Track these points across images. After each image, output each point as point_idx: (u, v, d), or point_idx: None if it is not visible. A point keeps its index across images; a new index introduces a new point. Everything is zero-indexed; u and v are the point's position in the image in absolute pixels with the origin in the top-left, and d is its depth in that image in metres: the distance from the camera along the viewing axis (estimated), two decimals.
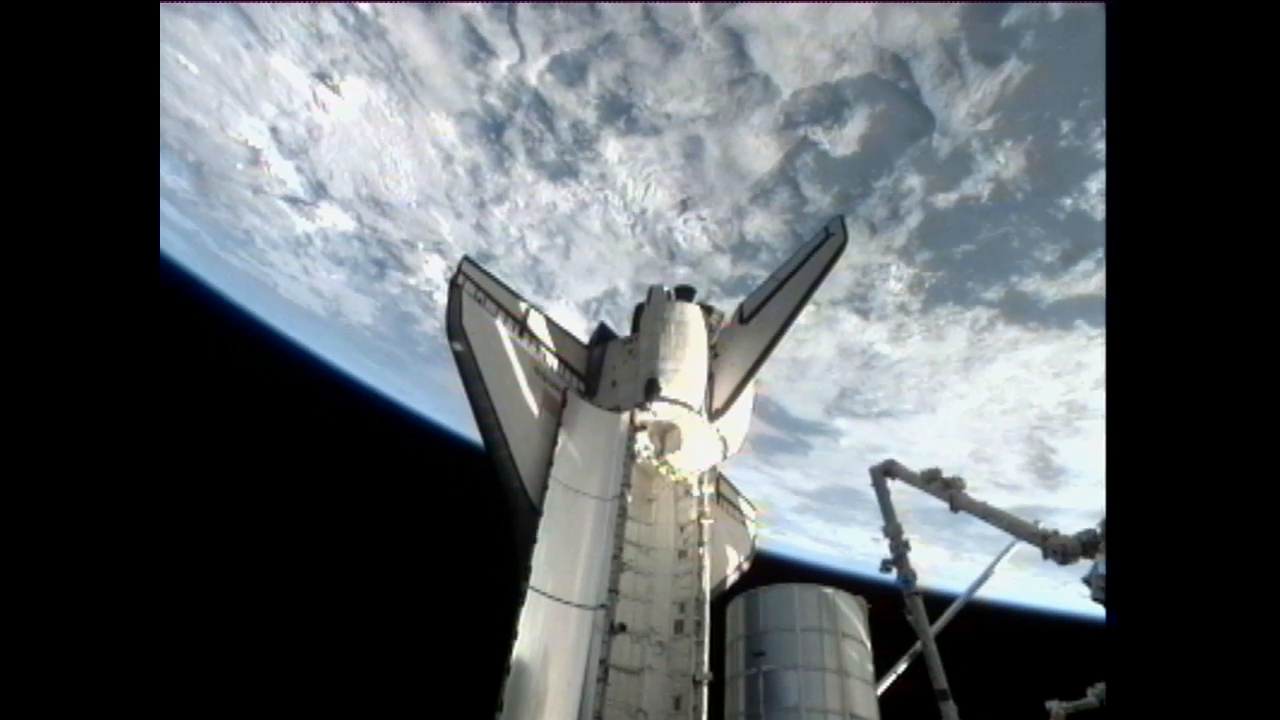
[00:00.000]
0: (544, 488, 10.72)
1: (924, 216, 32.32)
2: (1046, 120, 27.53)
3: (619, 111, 32.49)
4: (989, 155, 29.36)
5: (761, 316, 13.48)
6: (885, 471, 10.72)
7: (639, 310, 14.49)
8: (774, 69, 29.56)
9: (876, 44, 27.68)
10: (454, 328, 11.63)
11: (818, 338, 37.60)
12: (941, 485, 9.64)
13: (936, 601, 9.81)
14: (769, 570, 14.33)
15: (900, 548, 9.79)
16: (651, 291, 14.63)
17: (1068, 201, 29.14)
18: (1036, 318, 33.26)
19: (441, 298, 40.07)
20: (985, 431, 38.99)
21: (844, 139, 30.90)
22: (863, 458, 41.88)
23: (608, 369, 13.85)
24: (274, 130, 33.31)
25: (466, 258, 13.29)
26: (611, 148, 33.73)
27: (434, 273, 39.54)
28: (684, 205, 35.84)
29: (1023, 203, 30.18)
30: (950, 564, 40.25)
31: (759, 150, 32.54)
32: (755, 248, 36.39)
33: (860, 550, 49.42)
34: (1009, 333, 34.38)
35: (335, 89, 31.75)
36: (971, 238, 32.29)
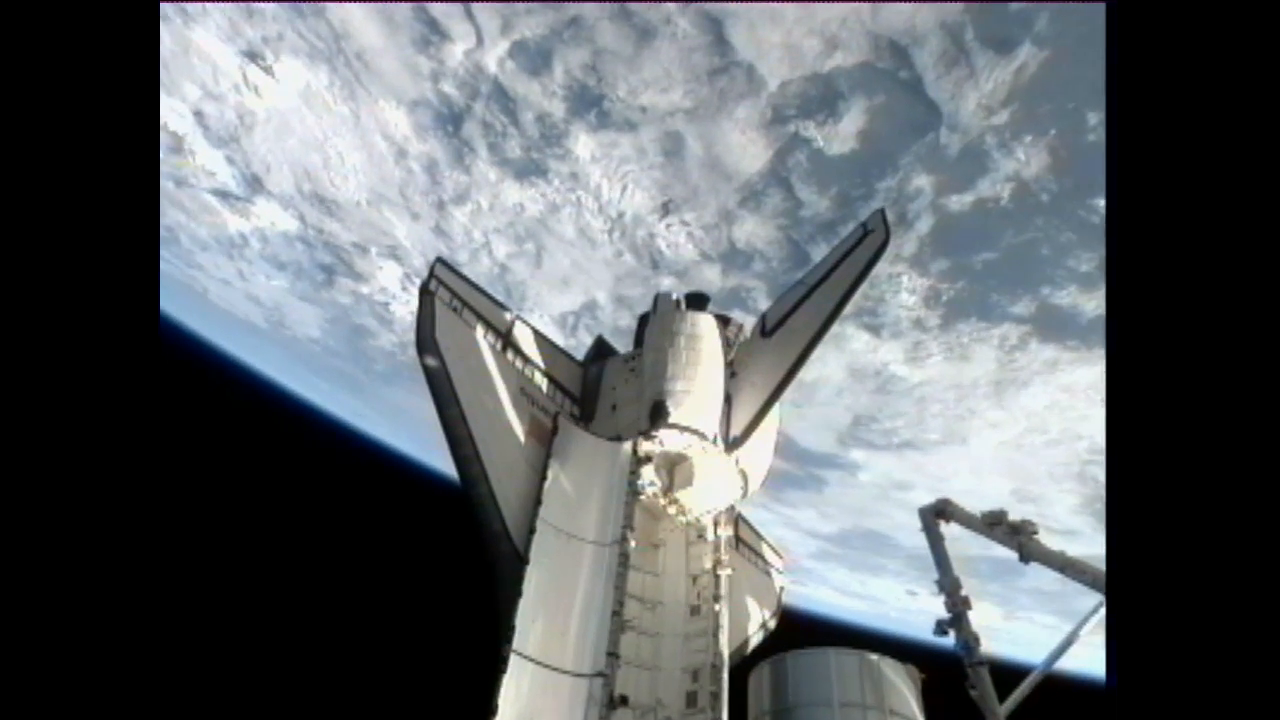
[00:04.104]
0: (531, 531, 10.35)
1: (936, 221, 32.63)
2: (1070, 112, 27.75)
3: (589, 104, 32.79)
4: (1006, 152, 29.62)
5: (787, 328, 13.24)
6: (938, 513, 10.53)
7: (643, 321, 14.29)
8: (758, 58, 29.95)
9: (871, 29, 28.09)
10: (425, 340, 11.29)
11: (824, 357, 37.82)
12: (1007, 530, 9.36)
13: (1000, 672, 9.42)
14: (796, 629, 14.07)
15: (959, 606, 9.51)
16: (658, 299, 14.44)
17: (1101, 203, 29.21)
18: (1075, 335, 33.33)
19: (399, 308, 39.89)
20: (1027, 466, 38.84)
21: (840, 135, 31.29)
22: (886, 495, 41.66)
23: (606, 390, 13.54)
24: (199, 115, 33.08)
25: (440, 260, 12.94)
26: (582, 144, 34.04)
27: (389, 280, 39.39)
28: (666, 209, 36.23)
29: (1049, 205, 30.41)
30: (1004, 624, 39.67)
31: (746, 148, 32.93)
32: (747, 256, 36.69)
33: (895, 604, 48.99)
34: (1045, 352, 34.44)
35: (268, 70, 31.68)
36: (993, 244, 32.49)
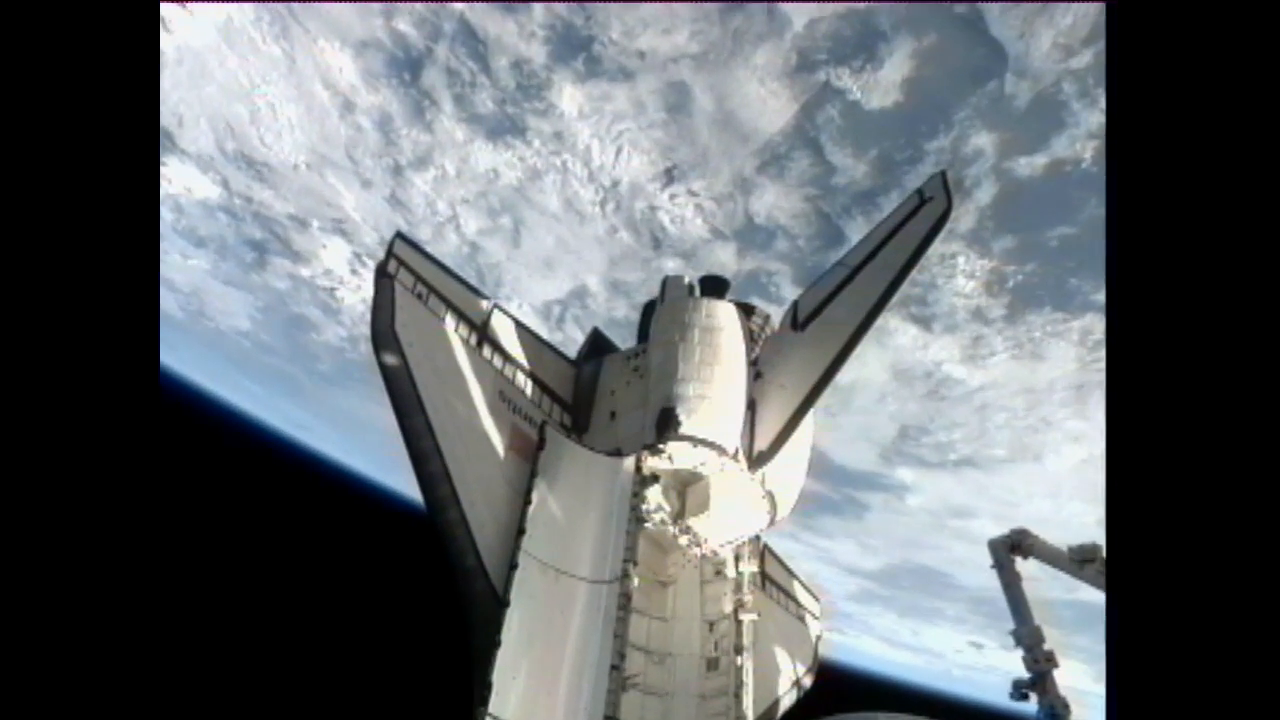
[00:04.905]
0: (511, 566, 10.28)
1: (999, 188, 32.38)
2: None
3: (576, 47, 32.57)
4: (1089, 102, 29.24)
5: (823, 320, 13.23)
6: (1013, 547, 10.39)
7: (648, 310, 14.22)
8: None
9: None
10: (383, 333, 11.21)
11: (863, 355, 37.68)
12: (1103, 570, 9.16)
13: None
14: (836, 687, 13.94)
15: (1042, 663, 9.34)
16: (667, 283, 14.34)
17: None
18: None
19: (348, 295, 39.81)
20: None
21: (881, 85, 30.99)
22: (941, 523, 41.54)
23: (603, 394, 13.51)
24: None
25: (400, 235, 12.90)
26: (568, 96, 33.80)
27: (335, 261, 39.27)
28: (669, 175, 36.14)
29: None
30: (1096, 687, 39.03)
31: (766, 101, 32.69)
32: (768, 232, 36.50)
33: (956, 658, 48.80)
34: None
35: None
36: (1071, 217, 32.28)
